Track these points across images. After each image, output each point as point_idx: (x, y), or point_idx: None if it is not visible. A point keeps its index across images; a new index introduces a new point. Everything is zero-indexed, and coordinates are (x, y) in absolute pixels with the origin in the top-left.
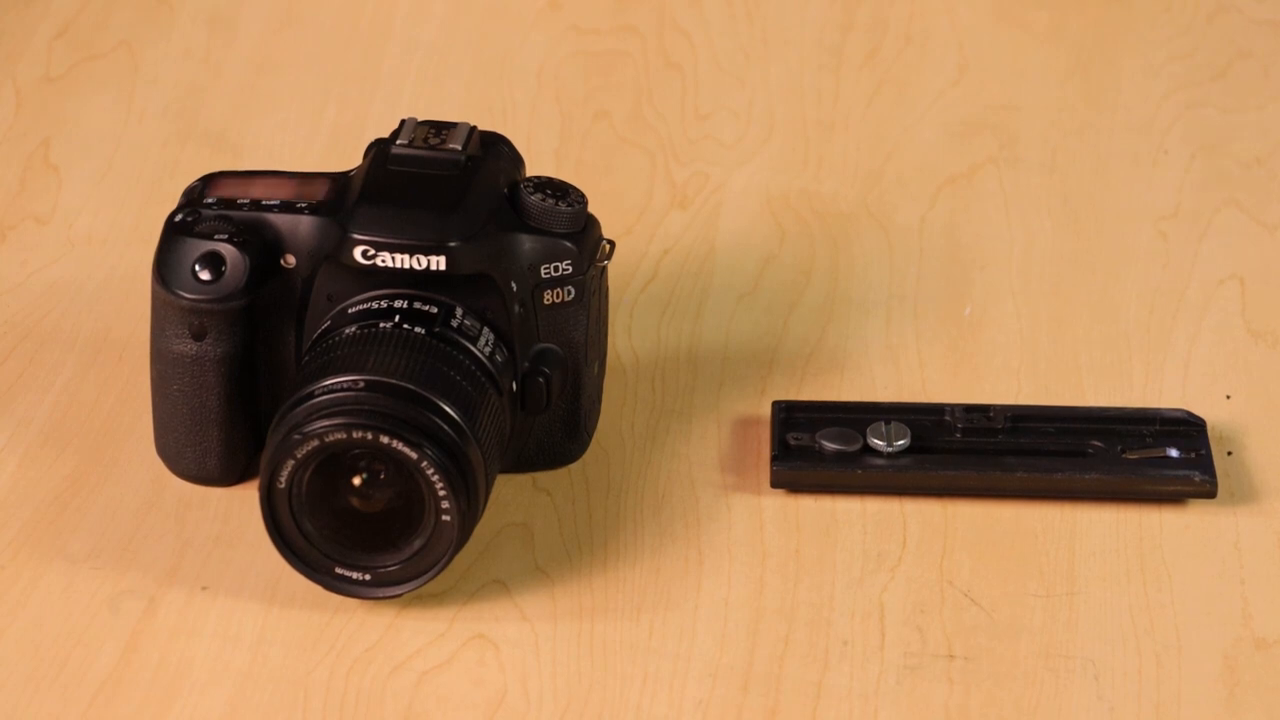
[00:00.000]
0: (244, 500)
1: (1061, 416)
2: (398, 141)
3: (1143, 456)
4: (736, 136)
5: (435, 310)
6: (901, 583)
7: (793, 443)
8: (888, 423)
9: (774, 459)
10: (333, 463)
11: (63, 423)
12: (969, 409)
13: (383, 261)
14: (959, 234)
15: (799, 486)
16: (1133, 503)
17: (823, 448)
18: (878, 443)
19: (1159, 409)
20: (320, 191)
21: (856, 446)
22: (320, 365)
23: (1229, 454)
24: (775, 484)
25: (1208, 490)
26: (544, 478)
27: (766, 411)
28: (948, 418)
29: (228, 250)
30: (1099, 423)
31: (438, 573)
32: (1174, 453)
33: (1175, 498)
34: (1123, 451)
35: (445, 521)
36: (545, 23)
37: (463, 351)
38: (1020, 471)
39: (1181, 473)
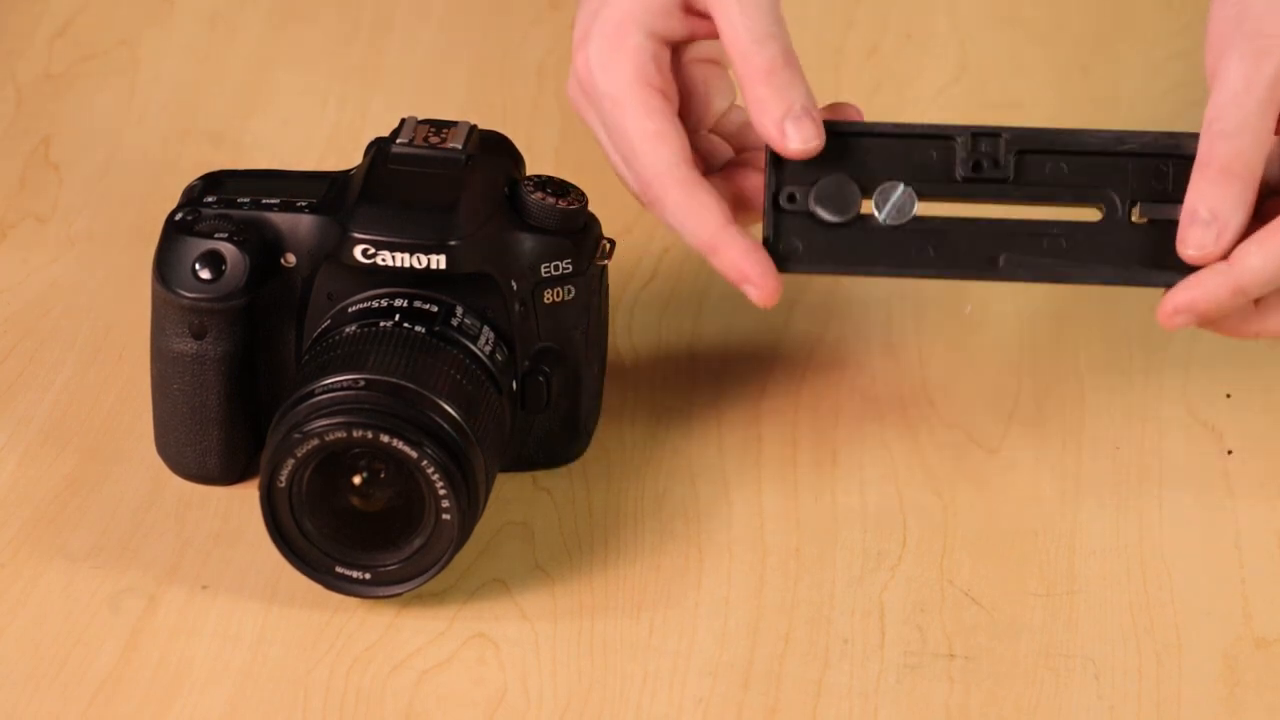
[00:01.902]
0: (244, 499)
1: (1074, 150)
2: (398, 140)
3: (1153, 219)
4: None
5: (435, 309)
6: (902, 581)
7: (786, 206)
8: (890, 190)
9: (766, 241)
10: (333, 462)
11: (63, 421)
12: (977, 135)
13: (383, 260)
14: None
15: (792, 270)
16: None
17: (817, 216)
18: (877, 215)
19: (1180, 136)
20: (320, 190)
21: (852, 215)
22: (320, 364)
23: (1229, 453)
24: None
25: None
26: (544, 476)
27: (767, 410)
28: (956, 140)
29: (228, 249)
30: (1114, 156)
31: (438, 571)
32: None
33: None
34: (1133, 205)
35: (445, 520)
36: (546, 21)
37: (463, 350)
38: (1022, 273)
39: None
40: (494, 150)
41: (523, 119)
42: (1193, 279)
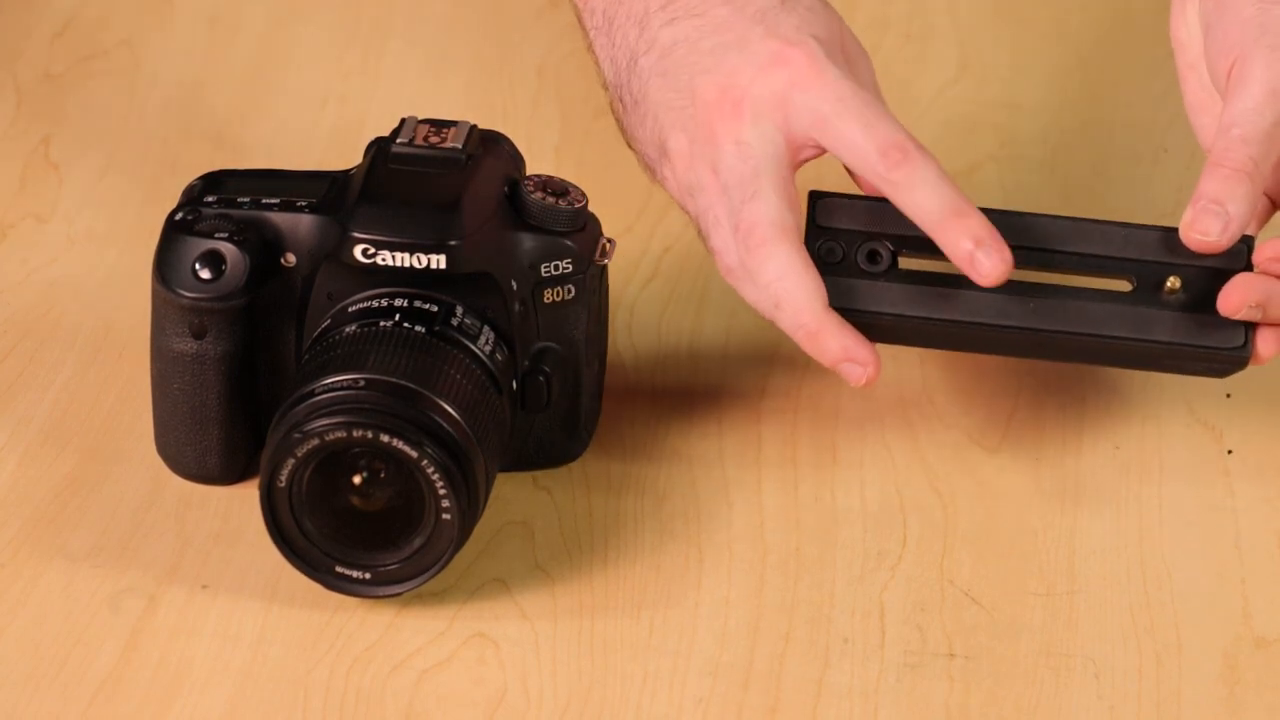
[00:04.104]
0: (244, 499)
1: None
2: (398, 140)
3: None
4: None
5: (435, 309)
6: (902, 581)
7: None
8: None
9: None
10: (333, 461)
11: (63, 421)
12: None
13: (383, 260)
14: None
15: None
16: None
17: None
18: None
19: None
20: (320, 190)
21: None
22: (320, 364)
23: (1229, 453)
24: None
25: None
26: (544, 476)
27: (767, 410)
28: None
29: (228, 249)
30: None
31: (438, 571)
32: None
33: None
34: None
35: (445, 520)
36: (546, 20)
37: (463, 350)
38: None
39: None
40: (494, 150)
41: (523, 119)
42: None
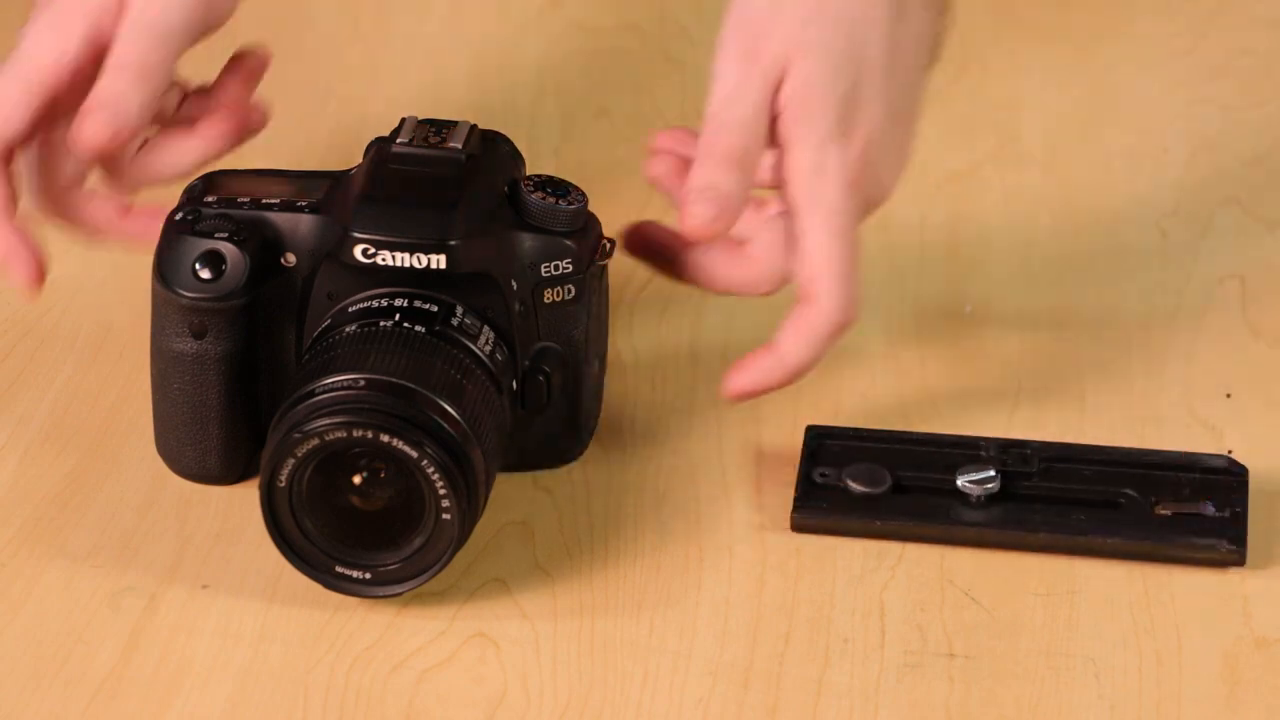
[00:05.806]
0: (244, 498)
1: (1099, 459)
2: (398, 140)
3: (1176, 511)
4: None
5: (435, 309)
6: (902, 580)
7: (819, 479)
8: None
9: (796, 502)
10: (333, 461)
11: (63, 420)
12: (1005, 446)
13: (383, 260)
14: (959, 232)
15: (819, 531)
16: (1158, 563)
17: (848, 488)
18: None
19: (1201, 455)
20: (320, 190)
21: (884, 488)
22: (321, 363)
23: (1229, 452)
24: (796, 529)
25: (1235, 559)
26: (544, 476)
27: (767, 410)
28: (983, 453)
29: (228, 249)
30: (1136, 468)
31: (438, 571)
32: (1210, 507)
33: (1201, 564)
34: (1156, 503)
35: (445, 520)
36: (546, 20)
37: (463, 350)
38: (1044, 531)
39: (1208, 540)
40: (494, 150)
41: (523, 119)
42: (747, 366)
